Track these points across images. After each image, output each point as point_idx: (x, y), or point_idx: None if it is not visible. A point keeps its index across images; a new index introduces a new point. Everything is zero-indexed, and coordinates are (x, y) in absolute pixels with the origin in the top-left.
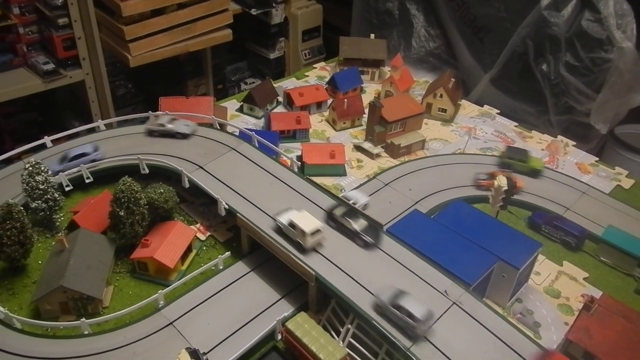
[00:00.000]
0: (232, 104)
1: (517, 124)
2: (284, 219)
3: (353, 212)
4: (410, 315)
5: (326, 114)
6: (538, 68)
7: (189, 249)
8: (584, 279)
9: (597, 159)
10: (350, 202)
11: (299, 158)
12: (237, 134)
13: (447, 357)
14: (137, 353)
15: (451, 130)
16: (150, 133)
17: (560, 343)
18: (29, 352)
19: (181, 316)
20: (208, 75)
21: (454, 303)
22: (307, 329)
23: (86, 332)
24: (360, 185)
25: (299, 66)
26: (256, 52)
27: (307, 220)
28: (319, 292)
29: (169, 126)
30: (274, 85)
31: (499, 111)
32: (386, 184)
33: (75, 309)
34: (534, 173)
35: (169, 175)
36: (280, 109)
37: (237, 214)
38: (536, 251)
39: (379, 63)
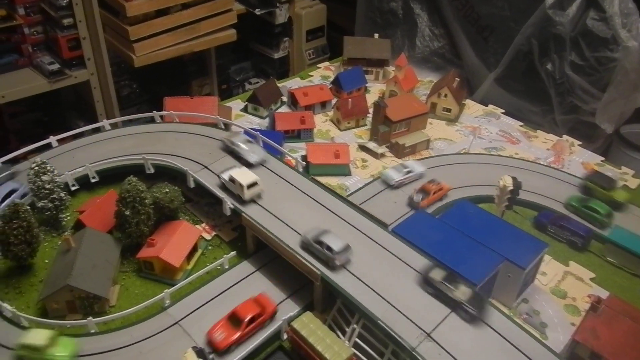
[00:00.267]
0: (236, 104)
1: (522, 123)
2: (225, 176)
3: (452, 276)
4: (329, 248)
5: (330, 113)
6: (543, 67)
7: (194, 249)
8: (591, 279)
9: (603, 158)
10: (406, 170)
11: (304, 158)
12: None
13: (454, 358)
14: (144, 352)
15: (456, 129)
16: (224, 145)
17: (567, 344)
18: None
19: (187, 315)
20: (212, 75)
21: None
22: (312, 329)
23: (93, 331)
24: (365, 185)
25: (303, 66)
26: (260, 52)
27: (245, 175)
28: (325, 292)
29: (241, 146)
30: (278, 85)
31: (503, 110)
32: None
33: (82, 307)
34: (615, 205)
35: (174, 175)
36: (284, 109)
37: (242, 214)
38: (542, 251)
39: (383, 63)
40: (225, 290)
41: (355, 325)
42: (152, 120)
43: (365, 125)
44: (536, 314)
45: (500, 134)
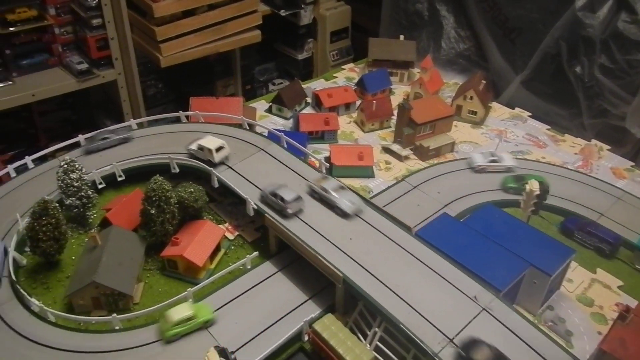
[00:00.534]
0: (260, 105)
1: (549, 127)
2: (193, 146)
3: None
4: (282, 199)
5: (355, 115)
6: (571, 70)
7: (217, 248)
8: (619, 287)
9: (632, 163)
10: (492, 158)
11: (327, 159)
12: (265, 134)
13: None
14: (166, 350)
15: (481, 132)
16: (312, 191)
17: (592, 353)
18: (62, 345)
19: None
20: (237, 75)
21: (484, 309)
22: (334, 331)
23: (117, 328)
24: (389, 187)
25: (327, 67)
26: (284, 53)
27: (212, 141)
28: (347, 294)
29: (332, 194)
30: (303, 86)
31: (530, 114)
32: (415, 187)
33: (107, 304)
34: None
35: (198, 175)
36: (308, 110)
37: (266, 214)
38: (569, 258)
39: (409, 64)
40: (248, 290)
41: (377, 329)
42: (177, 120)
43: (390, 127)
44: (561, 321)
45: (527, 137)
